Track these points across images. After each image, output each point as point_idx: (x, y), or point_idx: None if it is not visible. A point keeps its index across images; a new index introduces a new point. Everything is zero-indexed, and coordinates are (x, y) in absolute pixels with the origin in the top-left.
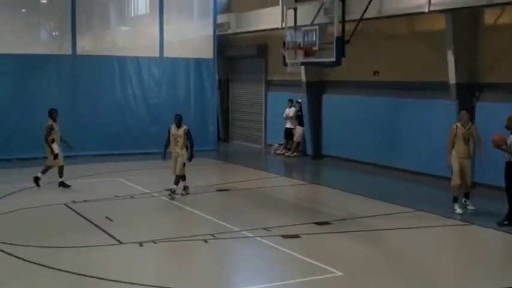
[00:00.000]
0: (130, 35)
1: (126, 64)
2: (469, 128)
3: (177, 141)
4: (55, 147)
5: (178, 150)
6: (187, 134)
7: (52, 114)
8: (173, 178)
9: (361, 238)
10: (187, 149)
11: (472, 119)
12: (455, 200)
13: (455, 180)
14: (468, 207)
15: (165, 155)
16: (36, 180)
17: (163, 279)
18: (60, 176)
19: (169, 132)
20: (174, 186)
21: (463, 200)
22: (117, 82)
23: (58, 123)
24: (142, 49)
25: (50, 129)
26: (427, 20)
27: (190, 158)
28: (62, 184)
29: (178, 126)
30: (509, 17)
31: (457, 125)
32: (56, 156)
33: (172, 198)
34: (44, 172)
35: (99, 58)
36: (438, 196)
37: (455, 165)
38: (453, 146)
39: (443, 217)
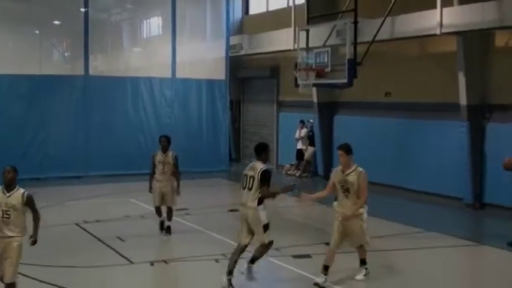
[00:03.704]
0: (143, 56)
1: (139, 85)
2: (347, 174)
3: None
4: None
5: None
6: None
7: (160, 141)
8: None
9: (371, 258)
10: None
11: (482, 140)
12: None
13: (331, 241)
14: (357, 277)
15: None
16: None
17: None
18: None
19: None
20: None
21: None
22: (130, 102)
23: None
24: (154, 70)
25: (151, 159)
26: (439, 42)
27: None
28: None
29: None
30: None
31: (336, 170)
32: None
33: None
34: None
35: (112, 79)
36: (449, 216)
37: (334, 222)
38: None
39: (453, 237)
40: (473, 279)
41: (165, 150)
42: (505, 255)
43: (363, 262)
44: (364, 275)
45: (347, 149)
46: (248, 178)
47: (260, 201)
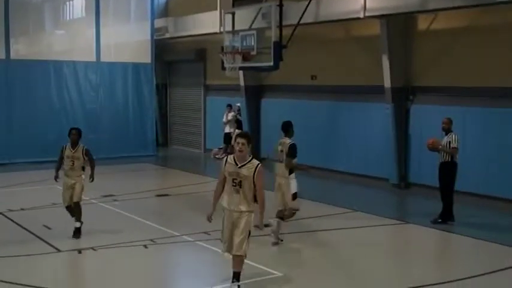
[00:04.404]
0: (66, 39)
1: (62, 69)
2: (241, 166)
3: None
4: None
5: None
6: None
7: (70, 134)
8: None
9: (300, 239)
10: None
11: (406, 121)
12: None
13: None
14: None
15: None
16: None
17: (103, 286)
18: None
19: None
20: None
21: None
22: (53, 87)
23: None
24: (78, 53)
25: (60, 152)
26: (363, 25)
27: None
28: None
29: None
30: (442, 23)
31: (228, 160)
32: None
33: None
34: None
35: (35, 62)
36: (376, 196)
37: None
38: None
39: (379, 217)
40: (400, 256)
41: (74, 144)
42: (429, 233)
43: (235, 275)
44: None
45: (250, 138)
46: (279, 152)
47: (291, 171)
